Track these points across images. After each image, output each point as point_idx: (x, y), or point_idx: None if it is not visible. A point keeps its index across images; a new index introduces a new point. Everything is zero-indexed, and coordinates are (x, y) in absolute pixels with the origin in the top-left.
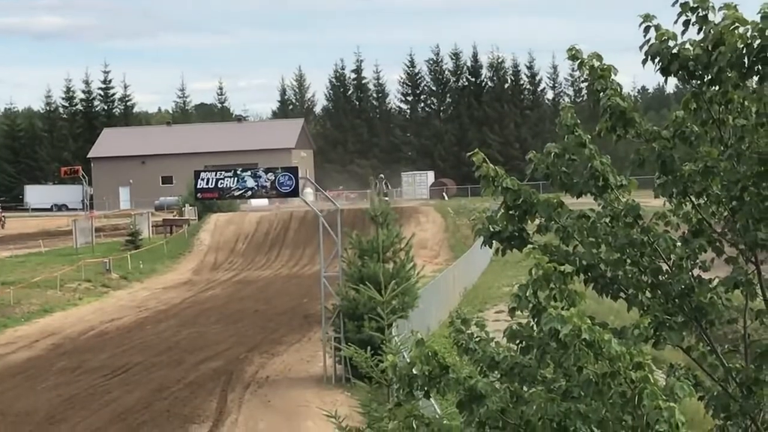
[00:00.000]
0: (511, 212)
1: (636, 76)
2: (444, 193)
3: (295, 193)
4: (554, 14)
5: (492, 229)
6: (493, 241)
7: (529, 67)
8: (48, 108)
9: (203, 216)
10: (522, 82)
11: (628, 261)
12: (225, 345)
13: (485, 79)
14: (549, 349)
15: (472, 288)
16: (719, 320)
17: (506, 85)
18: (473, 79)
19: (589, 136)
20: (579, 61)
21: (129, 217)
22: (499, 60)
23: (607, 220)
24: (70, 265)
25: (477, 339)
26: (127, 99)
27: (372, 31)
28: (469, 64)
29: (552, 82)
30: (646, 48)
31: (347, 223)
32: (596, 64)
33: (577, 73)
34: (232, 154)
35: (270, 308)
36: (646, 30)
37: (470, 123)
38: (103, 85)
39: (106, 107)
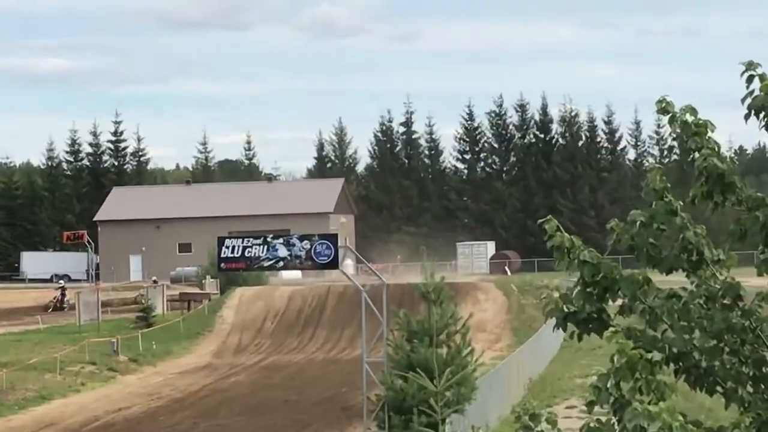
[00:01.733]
0: (588, 290)
1: (732, 135)
2: (506, 268)
3: (333, 264)
4: (637, 62)
5: (566, 310)
6: (568, 324)
7: (608, 123)
8: (49, 163)
9: (226, 290)
10: (599, 139)
11: (727, 349)
12: None
13: (556, 136)
14: None
15: (539, 379)
16: None
17: (580, 143)
18: (542, 136)
19: (681, 203)
20: (670, 115)
21: (140, 290)
22: (573, 113)
23: (702, 300)
24: (72, 345)
25: None
26: (140, 154)
27: (424, 78)
28: (537, 117)
29: (634, 140)
30: (749, 101)
31: (393, 301)
32: (690, 118)
33: (664, 130)
34: (260, 218)
35: (303, 398)
36: (750, 80)
37: (537, 186)
38: (113, 138)
39: (116, 163)
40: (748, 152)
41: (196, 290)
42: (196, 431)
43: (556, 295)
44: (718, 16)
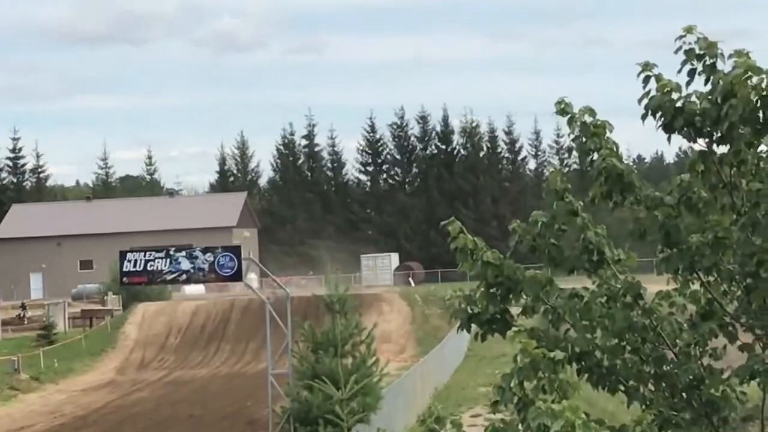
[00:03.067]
0: (492, 291)
1: (630, 143)
2: (410, 279)
3: (237, 276)
4: (536, 73)
5: (470, 311)
6: (472, 325)
7: (508, 133)
8: None
9: (129, 305)
10: (500, 149)
11: (628, 348)
12: None
13: (458, 147)
14: None
15: (444, 388)
16: (733, 416)
17: (482, 154)
18: (444, 147)
19: (581, 203)
20: (569, 116)
21: (41, 308)
22: (474, 125)
23: (603, 300)
24: None
25: None
26: (39, 170)
27: (325, 91)
28: (438, 129)
29: (534, 149)
30: (645, 101)
31: (298, 313)
32: (589, 119)
33: (563, 140)
34: (163, 233)
35: (207, 413)
36: (646, 80)
37: (440, 197)
38: (12, 155)
39: (15, 180)
40: (646, 161)
41: (99, 307)
42: None
43: (462, 296)
44: (615, 27)
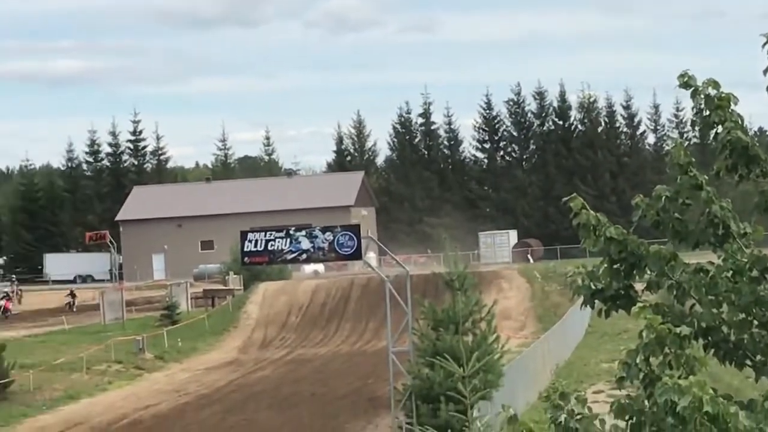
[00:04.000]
0: (615, 267)
1: (752, 116)
2: (529, 255)
3: (357, 255)
4: (654, 47)
5: (593, 287)
6: (595, 301)
7: (626, 107)
8: (69, 165)
9: (250, 285)
10: (618, 125)
11: (755, 322)
12: None
13: (575, 122)
14: (664, 425)
15: (565, 365)
16: None
17: (600, 129)
18: (561, 123)
19: (706, 177)
20: (692, 89)
21: (164, 289)
22: (591, 100)
23: (729, 274)
24: (97, 345)
25: (578, 416)
26: (160, 152)
27: (441, 68)
28: (555, 104)
29: (653, 124)
30: None
31: (417, 291)
32: (713, 92)
33: (683, 113)
34: (281, 213)
35: (329, 391)
36: None
37: (558, 173)
38: (133, 137)
39: (136, 162)
40: None
41: (220, 287)
42: (224, 426)
43: (584, 272)
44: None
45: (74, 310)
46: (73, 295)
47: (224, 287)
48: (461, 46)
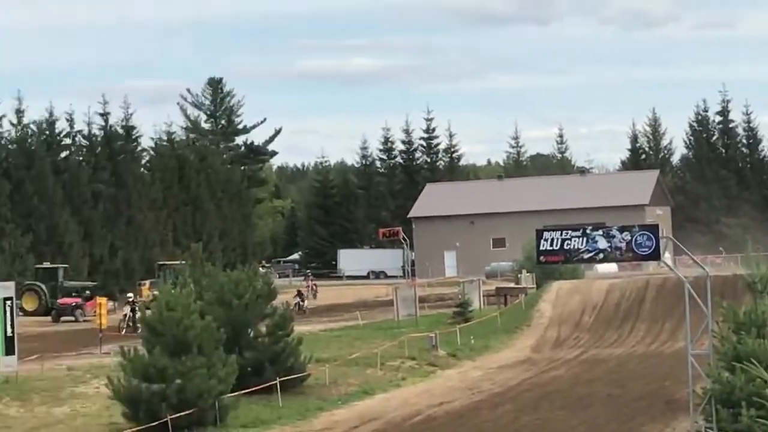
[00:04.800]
0: None
1: None
2: None
3: (655, 255)
4: None
5: None
6: None
7: None
8: (363, 161)
9: (542, 284)
10: None
11: None
12: None
13: None
14: None
15: None
16: None
17: None
18: None
19: None
20: None
21: (456, 286)
22: None
23: None
24: (391, 340)
25: None
26: (452, 150)
27: (739, 65)
28: None
29: None
30: None
31: (715, 292)
32: None
33: None
34: (574, 212)
35: (624, 392)
36: None
37: None
38: (426, 135)
39: (428, 160)
40: None
41: (512, 285)
42: (517, 425)
43: None
44: None
45: (305, 311)
46: (300, 295)
47: (517, 285)
48: (762, 42)
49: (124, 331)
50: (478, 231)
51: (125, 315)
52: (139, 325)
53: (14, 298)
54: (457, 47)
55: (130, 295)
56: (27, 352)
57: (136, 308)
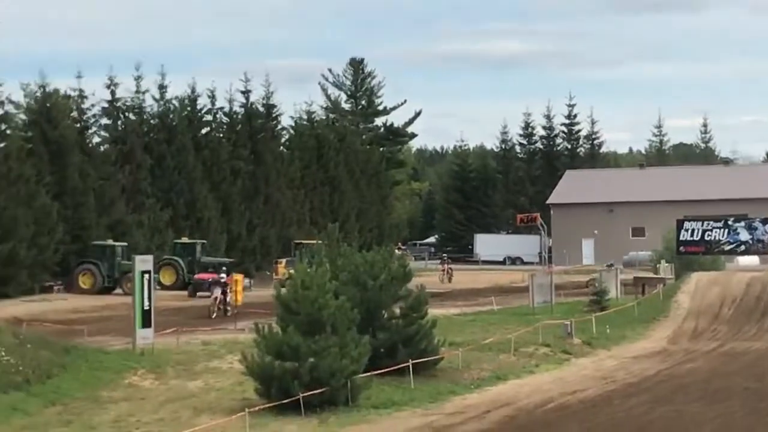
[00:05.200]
0: None
1: None
2: None
3: None
4: None
5: None
6: None
7: None
8: (503, 146)
9: (680, 274)
10: None
11: None
12: (708, 428)
13: None
14: None
15: None
16: None
17: None
18: None
19: None
20: None
21: (593, 274)
22: None
23: None
24: (525, 327)
25: None
26: (594, 137)
27: None
28: None
29: None
30: None
31: None
32: None
33: None
34: (716, 203)
35: (763, 386)
36: None
37: None
38: (567, 121)
39: (569, 146)
40: None
41: (651, 275)
42: (651, 416)
43: None
44: None
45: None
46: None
47: (655, 275)
48: None
49: (214, 314)
50: (618, 219)
51: (216, 298)
52: (229, 309)
53: (152, 272)
54: (602, 34)
55: (223, 276)
56: (163, 325)
57: (228, 291)
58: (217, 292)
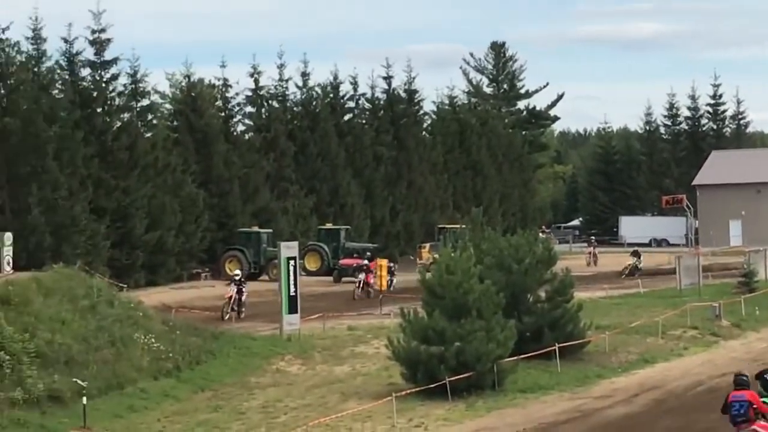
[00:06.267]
0: None
1: None
2: None
3: None
4: None
5: None
6: None
7: None
8: (647, 128)
9: None
10: None
11: None
12: None
13: None
14: None
15: None
16: None
17: None
18: None
19: None
20: None
21: (741, 255)
22: None
23: None
24: (672, 309)
25: None
26: (740, 117)
27: None
28: None
29: None
30: None
31: None
32: None
33: None
34: None
35: None
36: None
37: None
38: (712, 101)
39: (714, 127)
40: None
41: None
42: None
43: None
44: None
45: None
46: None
47: None
48: None
49: (227, 315)
50: (765, 200)
51: (230, 297)
52: (243, 309)
53: (297, 258)
54: (746, 12)
55: (237, 272)
56: (309, 311)
57: (243, 289)
58: (232, 290)
